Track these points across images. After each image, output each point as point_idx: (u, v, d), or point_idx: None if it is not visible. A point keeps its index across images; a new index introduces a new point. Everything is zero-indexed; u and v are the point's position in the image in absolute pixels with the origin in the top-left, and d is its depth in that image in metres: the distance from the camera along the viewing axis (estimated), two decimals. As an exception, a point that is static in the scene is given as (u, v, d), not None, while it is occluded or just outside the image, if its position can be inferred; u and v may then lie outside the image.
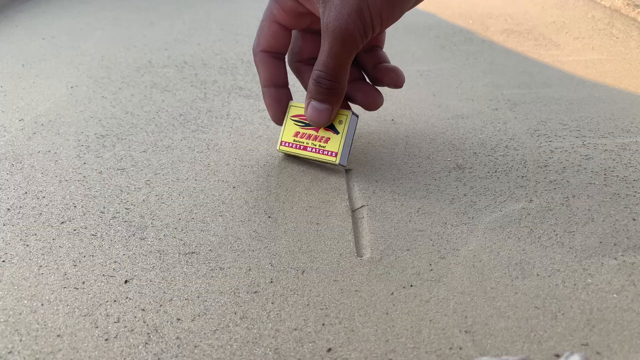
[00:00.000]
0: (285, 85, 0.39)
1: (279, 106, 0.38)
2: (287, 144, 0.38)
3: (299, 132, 0.38)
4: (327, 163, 0.38)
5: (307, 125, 0.38)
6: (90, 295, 0.28)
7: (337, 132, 0.37)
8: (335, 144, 0.37)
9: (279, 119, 0.39)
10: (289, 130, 0.38)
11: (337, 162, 0.37)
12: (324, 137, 0.37)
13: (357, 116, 0.37)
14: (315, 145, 0.37)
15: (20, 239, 0.32)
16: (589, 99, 0.49)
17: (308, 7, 0.34)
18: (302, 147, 0.38)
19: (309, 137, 0.38)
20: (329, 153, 0.37)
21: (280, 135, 0.39)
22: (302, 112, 0.38)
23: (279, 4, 0.35)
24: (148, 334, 0.25)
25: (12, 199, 0.35)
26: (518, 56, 0.61)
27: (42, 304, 0.27)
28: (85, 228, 0.33)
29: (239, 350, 0.25)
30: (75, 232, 0.32)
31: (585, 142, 0.42)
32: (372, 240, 0.32)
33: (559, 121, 0.45)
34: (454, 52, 0.62)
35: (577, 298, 0.27)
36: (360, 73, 0.40)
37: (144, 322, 0.26)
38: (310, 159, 0.39)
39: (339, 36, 0.31)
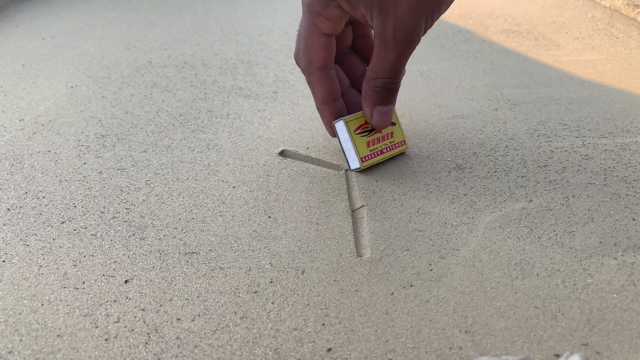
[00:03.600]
0: (340, 96, 0.38)
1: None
2: (367, 158, 0.38)
3: (369, 141, 0.38)
4: (400, 153, 0.40)
5: (371, 131, 0.38)
6: (90, 295, 0.28)
7: (393, 124, 0.39)
8: (398, 133, 0.39)
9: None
10: (360, 145, 0.38)
11: (408, 147, 0.40)
12: (388, 132, 0.39)
13: None
14: (387, 144, 0.39)
15: (20, 239, 0.32)
16: (589, 99, 0.49)
17: (353, 15, 0.33)
18: (379, 152, 0.38)
19: (379, 140, 0.38)
20: (400, 144, 0.40)
21: (357, 154, 0.37)
22: (360, 122, 0.37)
23: (323, 15, 0.34)
24: (148, 334, 0.25)
25: (12, 199, 0.35)
26: (518, 56, 0.61)
27: (42, 304, 0.27)
28: (85, 228, 0.33)
29: (239, 350, 0.25)
30: (75, 232, 0.32)
31: (585, 142, 0.42)
32: (372, 240, 0.32)
33: (559, 121, 0.45)
34: (454, 52, 0.62)
35: (577, 298, 0.27)
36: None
37: (144, 322, 0.26)
38: (387, 159, 0.39)
39: (407, 46, 0.32)
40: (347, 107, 0.39)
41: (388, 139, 0.39)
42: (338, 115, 0.38)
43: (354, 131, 0.37)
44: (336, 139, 0.39)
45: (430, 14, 0.32)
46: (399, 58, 0.33)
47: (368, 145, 0.38)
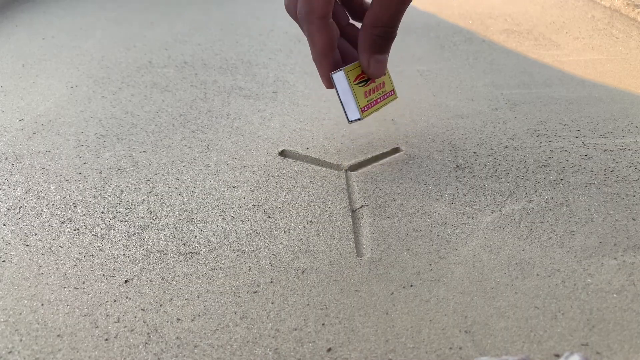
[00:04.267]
0: (337, 47, 0.37)
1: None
2: (366, 108, 0.38)
3: (366, 92, 0.38)
4: (390, 102, 0.40)
5: (367, 81, 0.38)
6: (90, 295, 0.28)
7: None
8: (389, 83, 0.39)
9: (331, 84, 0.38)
10: (359, 95, 0.37)
11: (397, 97, 0.40)
12: (380, 82, 0.39)
13: None
14: (381, 94, 0.39)
15: (20, 239, 0.32)
16: (589, 99, 0.49)
17: None
18: (374, 103, 0.38)
19: (374, 90, 0.38)
20: (390, 93, 0.40)
21: (357, 104, 0.37)
22: (358, 72, 0.37)
23: None
24: (148, 334, 0.25)
25: (12, 199, 0.35)
26: (518, 56, 0.61)
27: (42, 304, 0.27)
28: (85, 228, 0.33)
29: (239, 350, 0.25)
30: (75, 232, 0.32)
31: (585, 142, 0.42)
32: (372, 240, 0.32)
33: (559, 121, 0.45)
34: (454, 52, 0.62)
35: (577, 298, 0.27)
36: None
37: (144, 322, 0.26)
38: (380, 109, 0.39)
39: None
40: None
41: (381, 88, 0.39)
42: (336, 67, 0.37)
43: (353, 81, 0.37)
44: (334, 92, 0.39)
45: None
46: (399, 6, 0.33)
47: (365, 96, 0.38)
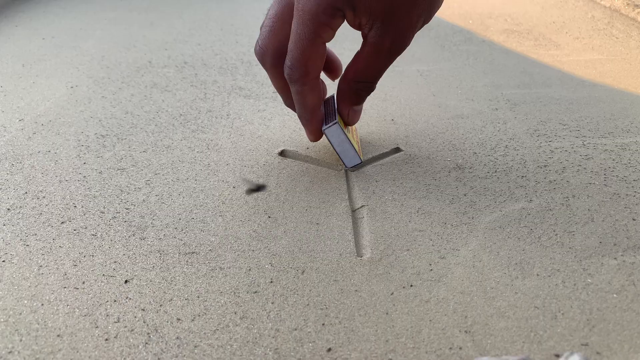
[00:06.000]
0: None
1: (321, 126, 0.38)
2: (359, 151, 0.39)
3: (354, 139, 0.39)
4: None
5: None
6: (90, 295, 0.28)
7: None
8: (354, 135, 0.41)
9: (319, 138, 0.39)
10: (353, 142, 0.38)
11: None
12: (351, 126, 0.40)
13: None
14: (355, 134, 0.41)
15: (20, 239, 0.32)
16: (589, 99, 0.49)
17: (349, 22, 0.33)
18: (358, 143, 0.40)
19: (352, 133, 0.40)
20: (355, 130, 0.42)
21: (355, 150, 0.38)
22: (342, 122, 0.38)
23: (329, 26, 0.32)
24: (148, 334, 0.25)
25: (12, 199, 0.35)
26: (518, 56, 0.61)
27: (42, 304, 0.27)
28: (85, 228, 0.33)
29: (239, 350, 0.25)
30: (75, 232, 0.32)
31: (585, 142, 0.42)
32: (372, 240, 0.32)
33: (559, 121, 0.45)
34: (454, 52, 0.62)
35: (577, 298, 0.27)
36: None
37: (144, 322, 0.26)
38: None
39: (397, 56, 0.34)
40: None
41: (354, 130, 0.41)
42: (323, 119, 0.37)
43: (345, 130, 0.38)
44: (325, 143, 0.40)
45: (422, 26, 0.33)
46: (386, 66, 0.34)
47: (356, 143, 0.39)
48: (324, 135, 0.37)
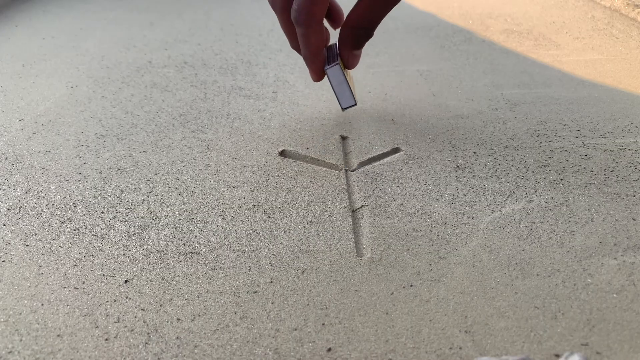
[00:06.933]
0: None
1: (323, 67, 0.42)
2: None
3: (351, 83, 0.43)
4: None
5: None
6: (90, 295, 0.28)
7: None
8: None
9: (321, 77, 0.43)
10: (351, 83, 0.42)
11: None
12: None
13: None
14: (351, 78, 0.44)
15: (20, 239, 0.32)
16: (589, 99, 0.49)
17: None
18: (353, 86, 0.44)
19: (350, 77, 0.43)
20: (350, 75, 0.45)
21: (351, 92, 0.42)
22: (342, 65, 0.41)
23: None
24: (148, 334, 0.25)
25: (12, 199, 0.35)
26: (518, 56, 0.61)
27: (42, 304, 0.27)
28: (85, 228, 0.33)
29: (239, 350, 0.25)
30: (75, 232, 0.32)
31: (585, 142, 0.42)
32: (372, 240, 0.32)
33: (559, 121, 0.45)
34: (454, 52, 0.62)
35: (577, 298, 0.27)
36: None
37: (144, 322, 0.26)
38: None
39: (392, 3, 0.37)
40: None
41: (350, 74, 0.44)
42: (325, 61, 0.41)
43: (345, 72, 0.41)
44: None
45: None
46: (384, 14, 0.38)
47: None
48: (325, 76, 0.41)
